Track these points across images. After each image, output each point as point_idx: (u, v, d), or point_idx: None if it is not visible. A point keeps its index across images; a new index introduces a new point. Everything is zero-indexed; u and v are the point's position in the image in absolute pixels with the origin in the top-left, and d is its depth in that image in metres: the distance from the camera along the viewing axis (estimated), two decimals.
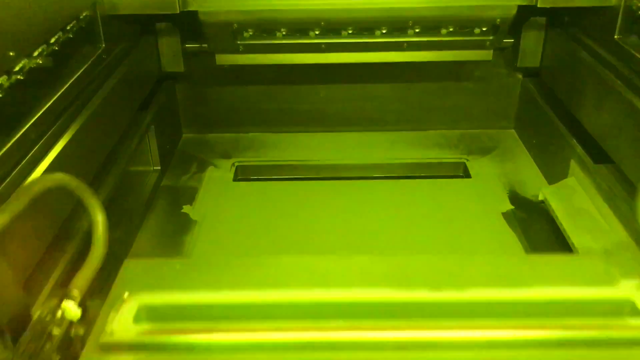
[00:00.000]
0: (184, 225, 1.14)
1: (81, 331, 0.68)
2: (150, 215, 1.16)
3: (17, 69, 0.77)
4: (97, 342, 0.64)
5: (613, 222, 1.01)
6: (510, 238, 1.10)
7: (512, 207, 1.17)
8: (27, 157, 0.77)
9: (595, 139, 1.10)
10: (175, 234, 1.12)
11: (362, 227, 1.13)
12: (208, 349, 0.66)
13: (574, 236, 1.04)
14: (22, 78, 0.77)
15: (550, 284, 0.73)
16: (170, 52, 1.30)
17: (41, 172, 0.78)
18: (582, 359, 0.66)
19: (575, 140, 1.15)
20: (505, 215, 1.16)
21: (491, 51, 1.17)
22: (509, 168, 1.32)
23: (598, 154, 1.10)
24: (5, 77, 0.74)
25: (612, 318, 0.69)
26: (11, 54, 0.76)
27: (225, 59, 1.18)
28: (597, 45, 1.11)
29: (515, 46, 1.31)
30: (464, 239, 1.11)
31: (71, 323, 0.67)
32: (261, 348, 0.66)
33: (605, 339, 0.67)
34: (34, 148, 0.79)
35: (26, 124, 0.78)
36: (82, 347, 0.65)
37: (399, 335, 0.67)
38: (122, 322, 0.66)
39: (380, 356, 0.66)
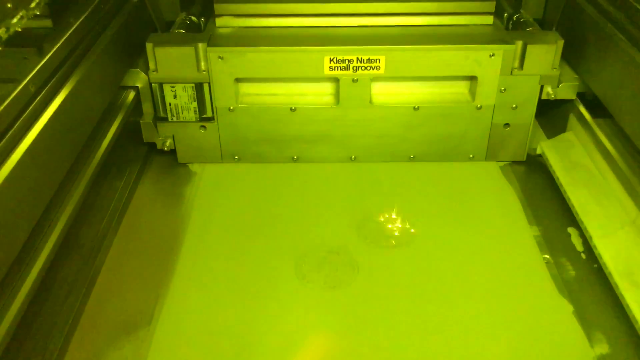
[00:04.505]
0: None
1: None
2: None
3: (15, 20, 0.76)
4: None
5: (610, 176, 1.03)
6: (507, 190, 1.12)
7: None
8: (28, 111, 0.77)
9: (595, 93, 1.10)
10: None
11: None
12: None
13: (571, 190, 1.05)
14: (20, 30, 0.76)
15: None
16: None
17: (42, 124, 0.78)
18: None
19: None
20: (503, 168, 1.18)
21: (492, 16, 1.16)
22: None
23: (597, 109, 1.10)
24: (3, 29, 0.73)
25: None
26: (9, 5, 0.75)
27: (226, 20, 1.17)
28: None
29: None
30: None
31: None
32: None
33: None
34: (33, 101, 0.79)
35: (25, 77, 0.78)
36: None
37: None
38: None
39: None
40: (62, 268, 0.87)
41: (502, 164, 1.19)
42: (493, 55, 1.08)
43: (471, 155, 1.19)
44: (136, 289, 0.92)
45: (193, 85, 1.11)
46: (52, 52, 0.85)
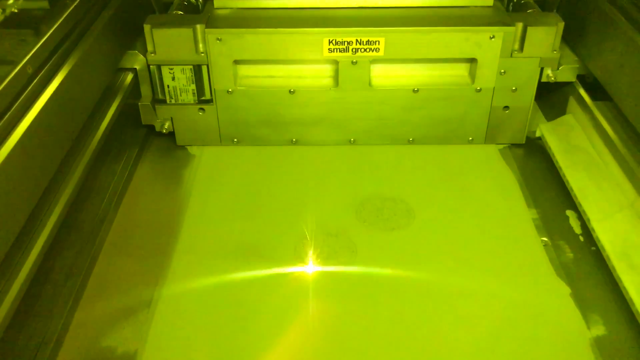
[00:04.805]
0: None
1: None
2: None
3: (11, 1, 0.75)
4: None
5: (609, 159, 1.02)
6: (506, 172, 1.12)
7: None
8: (25, 93, 0.77)
9: (595, 76, 1.09)
10: None
11: None
12: None
13: (569, 173, 1.05)
14: (16, 11, 0.76)
15: None
16: None
17: (40, 107, 0.78)
18: None
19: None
20: (502, 151, 1.18)
21: None
22: None
23: (597, 92, 1.10)
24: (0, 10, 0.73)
25: None
26: None
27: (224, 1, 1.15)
28: None
29: None
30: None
31: None
32: None
33: None
34: (31, 83, 0.78)
35: (23, 59, 0.77)
36: None
37: None
38: None
39: None
40: (62, 250, 0.87)
41: (501, 146, 1.19)
42: (493, 37, 1.07)
43: (470, 138, 1.19)
44: (135, 271, 0.92)
45: (191, 67, 1.10)
46: (49, 34, 0.84)
